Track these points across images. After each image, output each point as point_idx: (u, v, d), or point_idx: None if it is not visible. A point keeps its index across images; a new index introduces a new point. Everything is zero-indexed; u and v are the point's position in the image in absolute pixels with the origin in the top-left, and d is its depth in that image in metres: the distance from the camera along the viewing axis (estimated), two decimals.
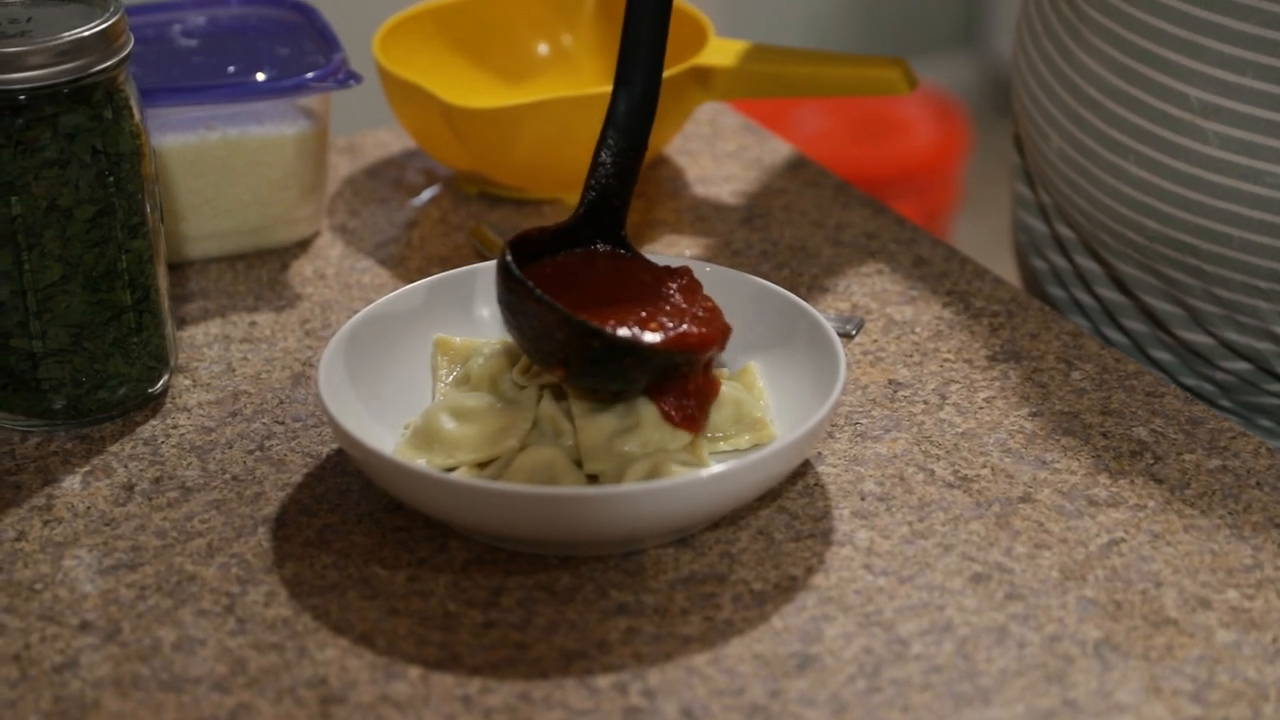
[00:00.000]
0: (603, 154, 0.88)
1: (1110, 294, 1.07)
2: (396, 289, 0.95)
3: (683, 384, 0.83)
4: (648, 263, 0.88)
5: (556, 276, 0.85)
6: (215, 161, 1.02)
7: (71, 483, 0.87)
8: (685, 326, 0.83)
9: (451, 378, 0.89)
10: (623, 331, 0.81)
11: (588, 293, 0.84)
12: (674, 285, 0.86)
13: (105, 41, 0.85)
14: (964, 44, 3.15)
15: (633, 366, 0.82)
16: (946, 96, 2.73)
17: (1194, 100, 0.94)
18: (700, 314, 0.84)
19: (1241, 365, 1.02)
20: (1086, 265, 1.08)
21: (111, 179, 0.87)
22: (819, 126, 2.58)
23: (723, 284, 0.92)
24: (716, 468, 0.80)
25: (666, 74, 1.06)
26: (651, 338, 0.82)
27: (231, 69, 1.04)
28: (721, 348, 0.84)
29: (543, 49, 1.18)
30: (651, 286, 0.86)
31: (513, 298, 0.82)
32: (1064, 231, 1.09)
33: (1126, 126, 0.98)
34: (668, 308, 0.84)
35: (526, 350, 0.83)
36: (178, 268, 1.04)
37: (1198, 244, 0.97)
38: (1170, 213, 0.97)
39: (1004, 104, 2.83)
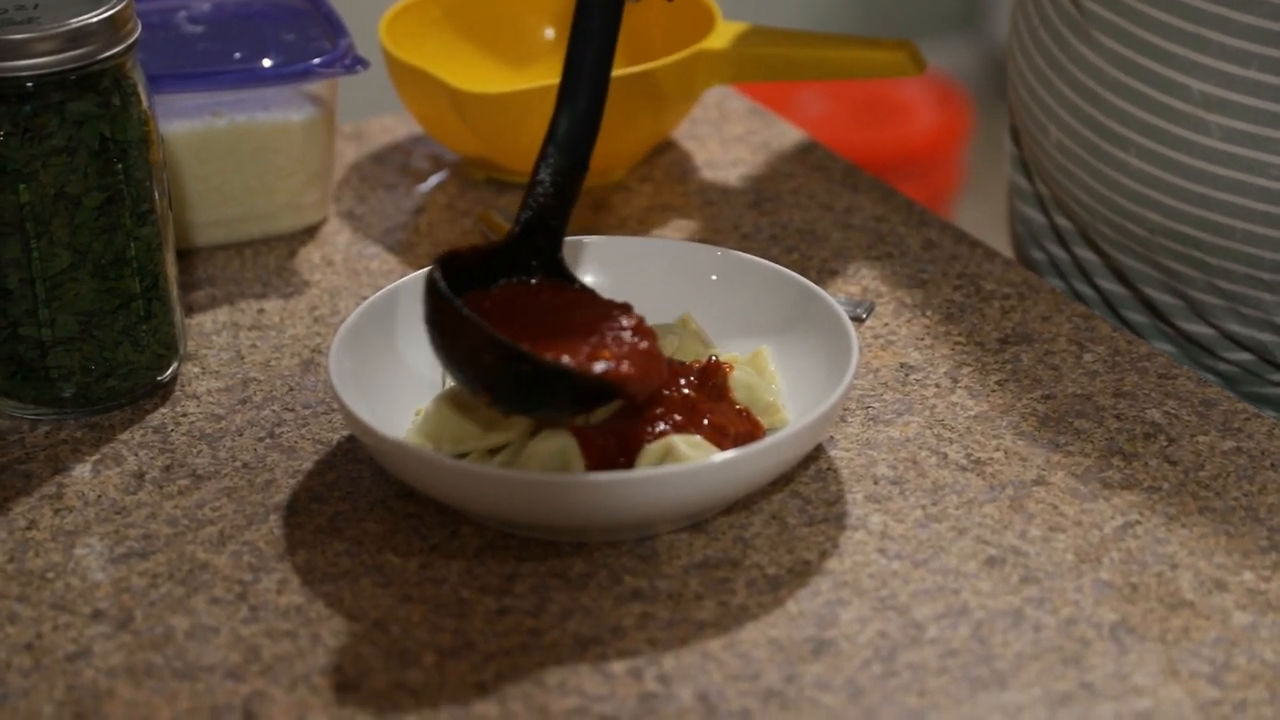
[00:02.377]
0: (541, 172, 0.85)
1: (1110, 285, 1.07)
2: (405, 275, 0.95)
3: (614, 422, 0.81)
4: (593, 296, 0.85)
5: (496, 307, 0.82)
6: (222, 148, 1.02)
7: (82, 471, 0.87)
8: (622, 362, 0.80)
9: None
10: (552, 358, 0.79)
11: (528, 324, 0.82)
12: (616, 321, 0.83)
13: (112, 28, 0.84)
14: (964, 27, 3.14)
15: (562, 394, 0.79)
16: (948, 80, 2.72)
17: (1196, 93, 0.94)
18: (638, 351, 0.81)
19: (1244, 356, 1.02)
20: (1085, 257, 1.08)
21: (119, 166, 0.86)
22: (821, 110, 2.58)
23: (733, 268, 0.92)
24: (729, 452, 0.79)
25: (675, 57, 1.06)
26: (583, 366, 0.79)
27: (238, 55, 1.04)
28: (651, 389, 0.81)
29: (549, 33, 1.17)
30: (593, 320, 0.83)
31: (440, 317, 0.79)
32: (1062, 223, 1.09)
33: (1128, 119, 0.97)
34: (606, 342, 0.81)
35: (452, 374, 0.80)
36: (185, 255, 1.03)
37: (1200, 236, 0.97)
38: (1173, 205, 0.97)
39: (1005, 89, 2.83)
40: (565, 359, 0.79)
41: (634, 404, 0.81)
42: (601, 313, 0.84)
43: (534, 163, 0.85)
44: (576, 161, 0.86)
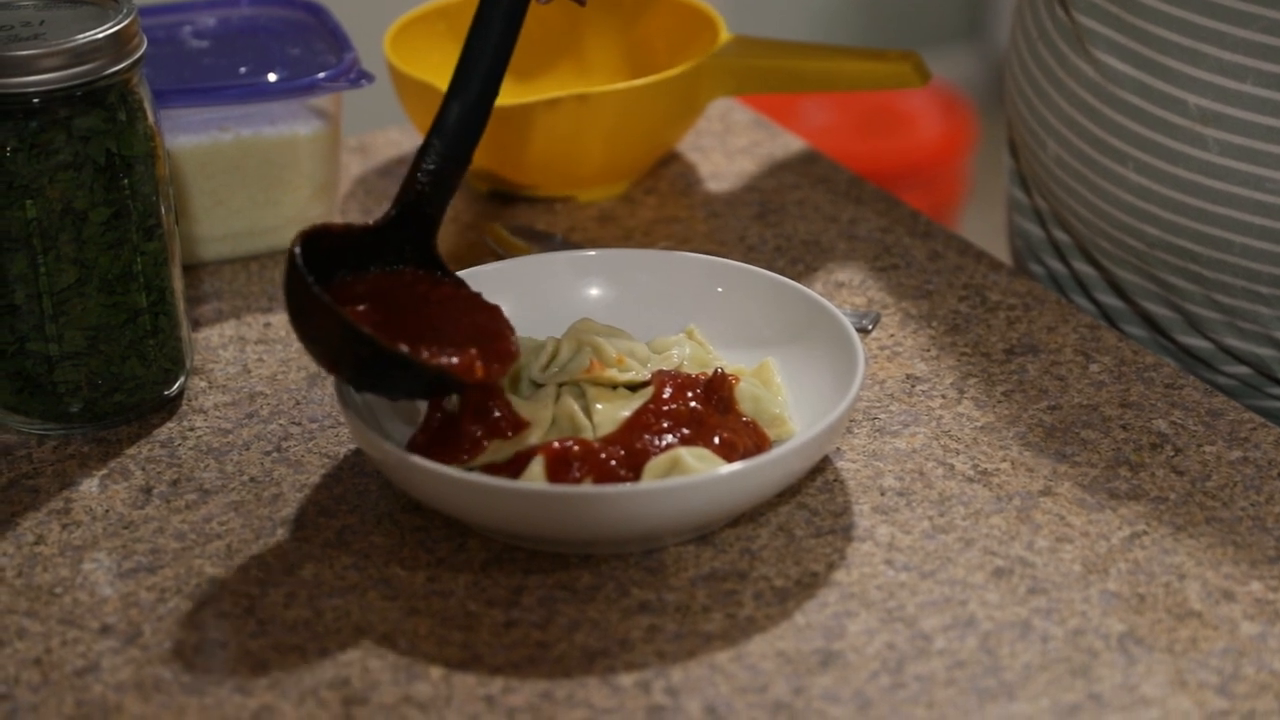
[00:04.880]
0: (424, 160, 0.86)
1: (1109, 299, 1.07)
2: None
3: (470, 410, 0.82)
4: (466, 290, 0.86)
5: (370, 292, 0.83)
6: (228, 162, 1.02)
7: (89, 486, 0.87)
8: (474, 356, 0.80)
9: None
10: (400, 345, 0.79)
11: (397, 312, 0.83)
12: (480, 314, 0.84)
13: (118, 44, 0.84)
14: (968, 37, 3.14)
15: (404, 380, 0.80)
16: (952, 90, 2.72)
17: (1193, 107, 0.94)
18: (493, 348, 0.82)
19: (1242, 370, 1.02)
20: (1084, 270, 1.08)
21: (126, 181, 0.86)
22: (825, 120, 2.58)
23: (739, 280, 0.92)
24: (736, 464, 0.79)
25: (679, 70, 1.06)
26: (433, 356, 0.80)
27: (243, 70, 1.04)
28: (494, 382, 0.81)
29: (553, 46, 1.17)
30: (458, 313, 0.84)
31: (296, 295, 0.81)
32: (1061, 236, 1.09)
33: (1125, 133, 0.97)
34: (465, 334, 0.82)
35: (305, 347, 0.82)
36: (191, 269, 1.04)
37: (1198, 250, 0.97)
38: (1171, 219, 0.97)
39: None
40: (423, 350, 0.80)
41: (480, 393, 0.81)
42: (468, 305, 0.85)
43: (417, 150, 0.86)
44: (459, 153, 0.86)
